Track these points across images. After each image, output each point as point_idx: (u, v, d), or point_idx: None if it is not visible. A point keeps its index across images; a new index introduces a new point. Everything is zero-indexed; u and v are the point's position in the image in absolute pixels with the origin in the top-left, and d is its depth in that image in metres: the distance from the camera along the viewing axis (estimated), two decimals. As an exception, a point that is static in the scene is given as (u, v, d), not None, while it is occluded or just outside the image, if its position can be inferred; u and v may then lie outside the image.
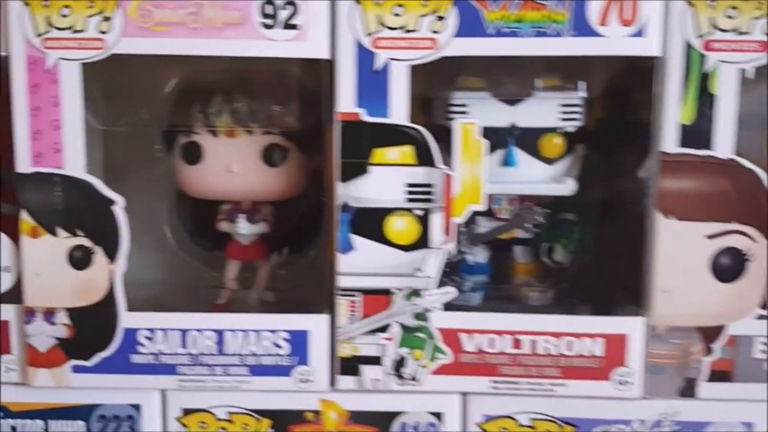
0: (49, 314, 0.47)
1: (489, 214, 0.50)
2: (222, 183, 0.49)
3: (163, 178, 0.53)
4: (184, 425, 0.49)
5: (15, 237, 0.47)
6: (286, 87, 0.50)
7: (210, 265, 0.55)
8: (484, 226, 0.50)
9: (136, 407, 0.48)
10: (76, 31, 0.44)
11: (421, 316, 0.47)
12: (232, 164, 0.48)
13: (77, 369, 0.47)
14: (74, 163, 0.45)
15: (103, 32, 0.44)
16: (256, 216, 0.52)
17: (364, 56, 0.44)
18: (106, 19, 0.44)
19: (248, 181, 0.49)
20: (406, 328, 0.47)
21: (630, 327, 0.46)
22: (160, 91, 0.50)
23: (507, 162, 0.48)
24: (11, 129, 0.46)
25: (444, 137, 0.46)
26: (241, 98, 0.49)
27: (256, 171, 0.49)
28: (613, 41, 0.43)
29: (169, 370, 0.48)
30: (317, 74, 0.50)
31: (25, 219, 0.46)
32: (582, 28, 0.44)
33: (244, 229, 0.51)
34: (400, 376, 0.48)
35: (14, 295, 0.48)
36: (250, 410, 0.48)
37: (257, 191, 0.50)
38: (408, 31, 0.44)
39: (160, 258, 0.54)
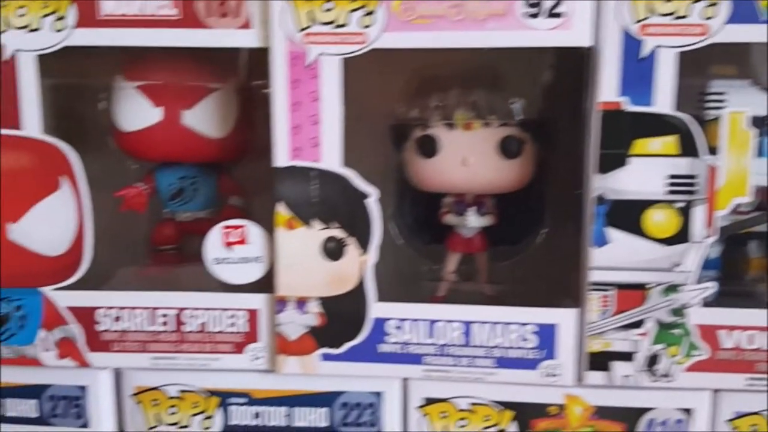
0: (301, 303, 0.49)
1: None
2: (457, 176, 0.50)
3: (391, 171, 0.55)
4: (426, 414, 0.51)
5: (267, 228, 0.49)
6: (523, 78, 0.51)
7: (429, 257, 0.56)
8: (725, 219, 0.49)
9: (378, 395, 0.50)
10: (338, 26, 0.46)
11: (678, 311, 0.47)
12: (469, 157, 0.49)
13: (326, 357, 0.49)
14: (331, 156, 0.46)
15: (366, 27, 0.45)
16: (482, 208, 0.52)
17: (630, 44, 0.44)
18: (369, 13, 0.45)
19: (484, 174, 0.49)
20: (661, 324, 0.47)
21: None
22: (398, 85, 0.52)
23: (760, 153, 0.46)
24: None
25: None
26: (478, 90, 0.50)
27: (492, 163, 0.49)
28: None
29: (415, 359, 0.49)
30: (557, 63, 0.51)
31: (281, 211, 0.48)
32: None
33: (474, 221, 0.51)
34: (652, 373, 0.48)
35: (264, 285, 0.50)
36: (493, 402, 0.49)
37: (492, 184, 0.50)
38: (678, 18, 0.44)
39: (382, 250, 0.53)
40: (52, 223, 0.49)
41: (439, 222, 0.54)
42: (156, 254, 0.56)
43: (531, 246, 0.55)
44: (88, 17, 0.46)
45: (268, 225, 0.50)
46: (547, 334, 0.48)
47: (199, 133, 0.51)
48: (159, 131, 0.51)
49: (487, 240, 0.54)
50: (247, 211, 0.56)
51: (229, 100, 0.52)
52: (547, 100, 0.51)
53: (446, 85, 0.51)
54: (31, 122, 0.47)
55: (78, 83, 0.52)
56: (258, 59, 0.48)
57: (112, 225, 0.52)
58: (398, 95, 0.52)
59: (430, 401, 0.50)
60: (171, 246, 0.56)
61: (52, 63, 0.48)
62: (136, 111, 0.51)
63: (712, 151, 0.46)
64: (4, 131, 0.48)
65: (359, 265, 0.48)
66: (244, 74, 0.53)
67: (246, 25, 0.46)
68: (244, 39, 0.46)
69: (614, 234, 0.46)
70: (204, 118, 0.51)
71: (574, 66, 0.47)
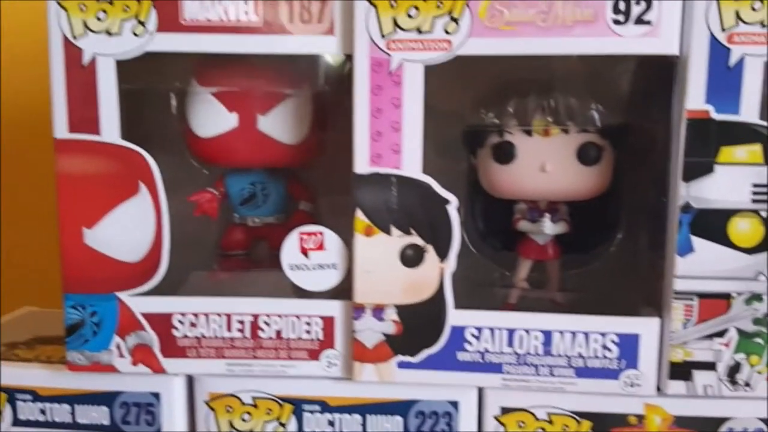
0: (378, 310, 0.49)
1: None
2: (535, 183, 0.50)
3: (462, 177, 0.55)
4: (502, 424, 0.50)
5: (338, 231, 0.49)
6: (601, 84, 0.51)
7: (500, 263, 0.56)
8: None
9: (455, 404, 0.50)
10: (421, 32, 0.46)
11: (760, 321, 0.47)
12: (547, 163, 0.49)
13: (402, 365, 0.49)
14: (412, 163, 0.47)
15: (449, 33, 0.46)
16: (556, 215, 0.53)
17: (718, 52, 0.44)
18: (454, 19, 0.46)
19: (562, 181, 0.50)
20: (743, 334, 0.47)
21: None
22: (474, 89, 0.52)
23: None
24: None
25: None
26: (556, 95, 0.50)
27: (570, 170, 0.49)
28: None
29: (494, 368, 0.49)
30: (638, 69, 0.51)
31: (360, 218, 0.48)
32: None
33: (549, 229, 0.51)
34: (733, 382, 0.48)
35: (339, 292, 0.51)
36: (572, 412, 0.49)
37: (570, 191, 0.50)
38: (764, 26, 0.44)
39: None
40: (129, 228, 0.49)
41: (511, 228, 0.54)
42: (225, 259, 0.56)
43: (604, 254, 0.55)
44: (170, 22, 0.47)
45: (338, 228, 0.50)
46: (628, 344, 0.47)
47: (274, 138, 0.52)
48: (234, 137, 0.51)
49: (560, 247, 0.54)
50: (317, 215, 0.57)
51: (303, 105, 0.52)
52: (627, 106, 0.51)
53: (524, 89, 0.51)
54: (110, 127, 0.48)
55: (150, 87, 0.52)
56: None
57: (182, 229, 0.52)
58: (474, 99, 0.52)
59: (507, 410, 0.50)
60: (241, 251, 0.56)
61: (127, 67, 0.49)
62: (210, 117, 0.51)
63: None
64: (83, 136, 0.48)
65: (438, 272, 0.49)
66: (321, 79, 0.53)
67: (329, 31, 0.47)
68: (327, 45, 0.47)
69: (698, 242, 0.46)
70: (279, 124, 0.52)
71: (656, 72, 0.47)
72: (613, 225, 0.55)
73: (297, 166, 0.56)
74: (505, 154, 0.50)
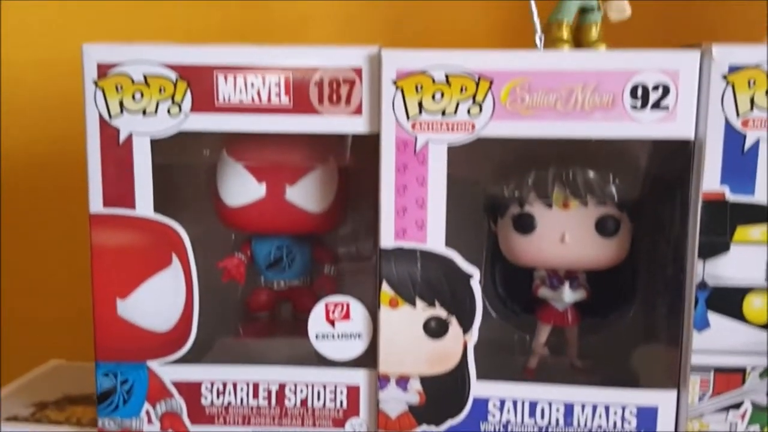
0: (402, 381, 0.51)
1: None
2: (554, 253, 0.52)
3: (482, 243, 0.57)
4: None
5: (365, 299, 0.51)
6: (620, 159, 0.52)
7: (519, 327, 0.58)
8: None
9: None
10: (445, 115, 0.48)
11: (775, 394, 0.50)
12: (566, 235, 0.51)
13: (426, 434, 0.54)
14: (436, 238, 0.49)
15: (472, 116, 0.48)
16: (575, 282, 0.55)
17: (733, 136, 0.46)
18: (477, 103, 0.48)
19: (580, 252, 0.52)
20: (757, 406, 0.49)
21: None
22: (496, 161, 0.53)
23: None
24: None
25: None
26: (575, 169, 0.51)
27: (589, 241, 0.51)
28: None
29: (516, 438, 0.53)
30: (655, 150, 0.53)
31: (385, 290, 0.50)
32: None
33: (569, 297, 0.54)
34: None
35: (363, 361, 0.52)
36: (591, 480, 0.53)
37: (588, 261, 0.52)
38: None
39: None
40: (161, 299, 0.51)
41: (532, 294, 0.56)
42: (251, 320, 0.58)
43: (622, 321, 0.56)
44: (204, 103, 0.49)
45: (361, 292, 0.52)
46: (647, 416, 0.49)
47: (300, 207, 0.54)
48: (262, 207, 0.54)
49: (578, 312, 0.56)
50: (341, 279, 0.59)
51: (330, 176, 0.54)
52: (644, 182, 0.53)
53: (543, 162, 0.53)
54: (145, 202, 0.50)
55: (183, 162, 0.55)
56: (361, 140, 0.50)
57: (209, 292, 0.53)
58: (495, 170, 0.54)
59: (528, 478, 0.53)
60: (265, 313, 0.58)
61: (161, 143, 0.51)
62: (240, 187, 0.54)
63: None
64: (118, 210, 0.50)
65: (462, 343, 0.51)
66: (348, 155, 0.55)
67: (357, 112, 0.49)
68: (355, 125, 0.49)
69: (714, 318, 0.48)
70: (306, 194, 0.54)
71: (673, 153, 0.49)
72: (631, 293, 0.56)
73: (322, 233, 0.58)
74: (525, 225, 0.52)
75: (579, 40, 0.52)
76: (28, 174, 0.79)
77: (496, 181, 0.54)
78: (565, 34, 0.51)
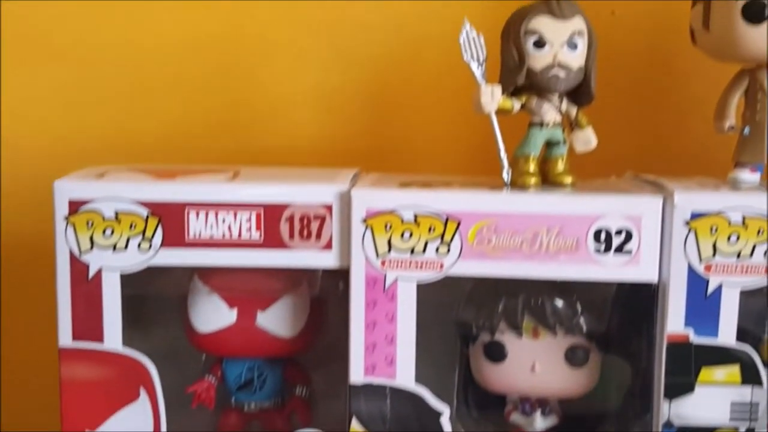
0: None
1: None
2: (524, 382, 0.53)
3: (454, 367, 0.57)
4: None
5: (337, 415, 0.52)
6: (588, 291, 0.53)
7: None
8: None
9: None
10: (414, 253, 0.49)
11: None
12: (536, 364, 0.52)
13: None
14: (406, 375, 0.50)
15: (441, 255, 0.49)
16: (547, 408, 0.55)
17: (696, 281, 0.48)
18: (444, 243, 0.49)
19: (551, 381, 0.53)
20: None
21: None
22: (465, 290, 0.54)
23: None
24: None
25: None
26: (544, 298, 0.51)
27: (558, 371, 0.52)
28: None
29: None
30: (620, 289, 0.53)
31: (355, 427, 0.50)
32: None
33: (540, 424, 0.54)
34: None
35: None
36: None
37: (558, 390, 0.53)
38: (739, 258, 0.47)
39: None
40: (128, 432, 0.54)
41: (504, 419, 0.56)
42: (221, 445, 0.61)
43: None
44: (175, 238, 0.50)
45: (333, 411, 0.53)
46: None
47: (271, 333, 0.54)
48: (233, 332, 0.54)
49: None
50: (313, 400, 0.59)
51: (301, 302, 0.55)
52: (612, 316, 0.53)
53: (513, 290, 0.53)
54: (113, 336, 0.51)
55: (152, 294, 0.55)
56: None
57: (179, 416, 0.53)
58: (466, 298, 0.54)
59: None
60: (235, 436, 0.61)
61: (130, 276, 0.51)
62: (211, 313, 0.54)
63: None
64: (87, 345, 0.50)
65: (430, 479, 0.53)
66: (319, 282, 0.56)
67: (327, 246, 0.50)
68: (325, 260, 0.50)
69: (681, 457, 0.51)
70: (277, 320, 0.54)
71: (638, 294, 0.49)
72: (602, 421, 0.56)
73: (293, 356, 0.59)
74: (496, 354, 0.53)
75: (546, 174, 0.54)
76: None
77: (466, 308, 0.55)
78: (532, 167, 0.52)
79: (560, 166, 0.54)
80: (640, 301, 0.50)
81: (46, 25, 0.71)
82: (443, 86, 0.68)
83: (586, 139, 0.53)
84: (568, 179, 0.54)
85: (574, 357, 0.52)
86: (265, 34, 0.71)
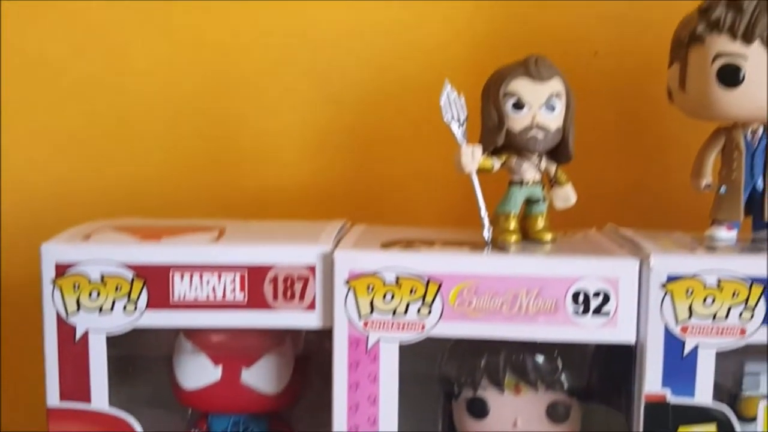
0: None
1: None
2: (507, 437, 0.57)
3: (437, 423, 0.57)
4: None
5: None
6: (569, 349, 0.54)
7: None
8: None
9: None
10: (396, 314, 0.50)
11: None
12: (518, 420, 0.53)
13: None
14: (388, 435, 0.54)
15: (422, 316, 0.50)
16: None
17: (672, 342, 0.49)
18: (426, 304, 0.50)
19: (532, 437, 0.57)
20: None
21: None
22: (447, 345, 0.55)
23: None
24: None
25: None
26: (525, 354, 0.52)
27: (540, 427, 0.53)
28: None
29: None
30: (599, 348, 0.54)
31: (339, 484, 0.54)
32: None
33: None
34: None
35: None
36: None
37: (540, 446, 0.58)
38: (715, 319, 0.48)
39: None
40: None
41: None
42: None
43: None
44: (159, 300, 0.51)
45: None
46: None
47: (256, 390, 0.55)
48: (218, 389, 0.55)
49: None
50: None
51: (286, 358, 0.56)
52: (591, 372, 0.53)
53: (495, 346, 0.53)
54: (100, 396, 0.51)
55: (137, 354, 0.56)
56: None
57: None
58: (448, 353, 0.54)
59: None
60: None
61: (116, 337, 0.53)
62: (196, 369, 0.55)
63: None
64: (74, 405, 0.51)
65: None
66: (303, 340, 0.57)
67: (310, 307, 0.51)
68: (308, 320, 0.51)
69: None
70: (261, 376, 0.55)
71: (616, 353, 0.50)
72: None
73: (278, 412, 0.59)
74: (479, 410, 0.53)
75: (526, 230, 0.55)
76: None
77: (449, 363, 0.55)
78: (513, 224, 0.53)
79: (540, 223, 0.54)
80: (618, 360, 0.51)
81: (34, 71, 0.70)
82: (431, 127, 0.66)
83: (566, 196, 0.54)
84: (548, 236, 0.55)
85: (555, 413, 0.53)
86: (251, 77, 0.71)
